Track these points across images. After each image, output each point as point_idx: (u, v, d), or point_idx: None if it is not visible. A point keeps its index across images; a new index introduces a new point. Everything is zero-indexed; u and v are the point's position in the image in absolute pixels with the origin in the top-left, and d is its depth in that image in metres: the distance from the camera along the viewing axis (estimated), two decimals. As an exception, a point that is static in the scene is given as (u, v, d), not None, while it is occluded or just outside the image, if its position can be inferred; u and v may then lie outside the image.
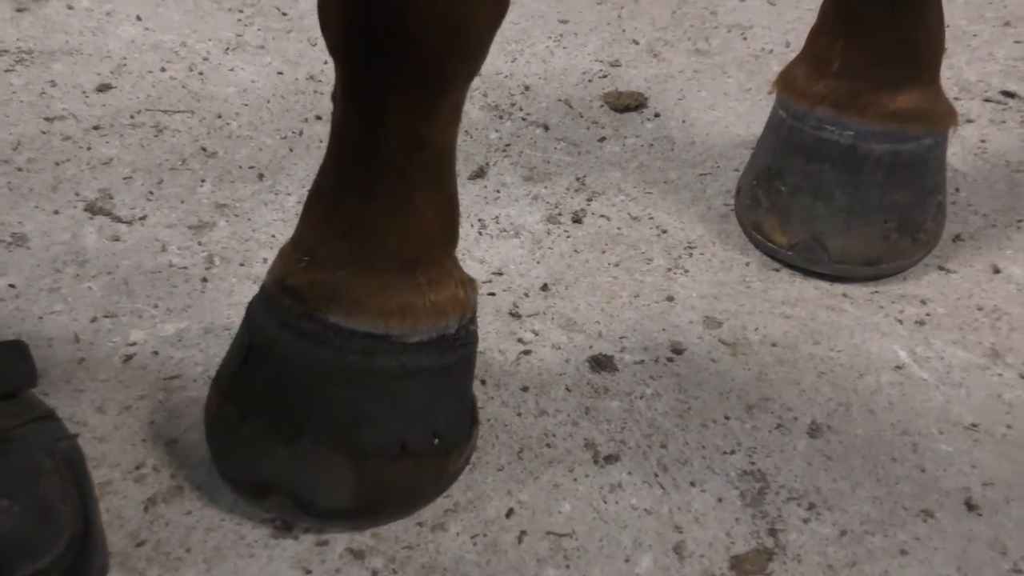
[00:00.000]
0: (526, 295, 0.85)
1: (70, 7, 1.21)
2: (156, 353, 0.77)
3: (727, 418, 0.74)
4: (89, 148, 0.99)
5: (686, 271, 0.88)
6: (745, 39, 1.23)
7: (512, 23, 1.24)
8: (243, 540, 0.64)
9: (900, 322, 0.83)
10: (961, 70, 1.16)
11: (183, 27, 1.20)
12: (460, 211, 0.65)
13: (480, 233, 0.92)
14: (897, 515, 0.67)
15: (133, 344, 0.78)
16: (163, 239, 0.88)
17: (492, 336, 0.80)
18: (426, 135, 0.59)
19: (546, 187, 0.98)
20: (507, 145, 1.04)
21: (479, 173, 0.99)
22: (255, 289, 0.69)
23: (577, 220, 0.93)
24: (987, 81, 1.14)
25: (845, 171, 0.84)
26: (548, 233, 0.92)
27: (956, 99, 1.09)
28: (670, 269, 0.88)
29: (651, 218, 0.94)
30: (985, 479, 0.70)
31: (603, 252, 0.90)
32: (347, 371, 0.61)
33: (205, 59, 1.14)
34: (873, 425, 0.74)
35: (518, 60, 1.18)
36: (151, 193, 0.94)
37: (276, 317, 0.63)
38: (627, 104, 1.10)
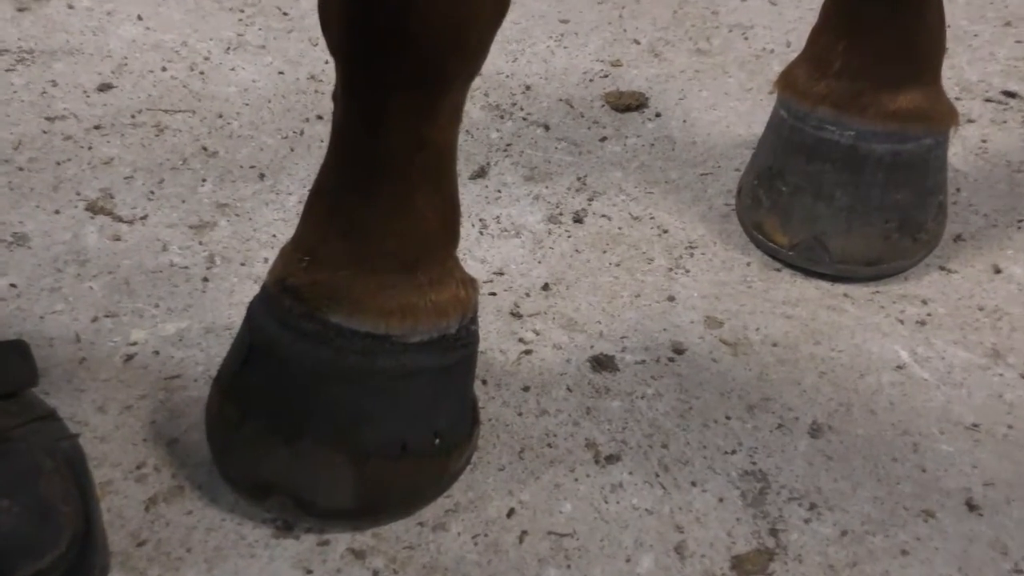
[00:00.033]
0: (527, 295, 0.85)
1: (71, 7, 1.21)
2: (157, 353, 0.77)
3: (728, 418, 0.74)
4: (90, 148, 0.99)
5: (687, 271, 0.88)
6: (746, 39, 1.23)
7: (513, 23, 1.24)
8: (244, 540, 0.64)
9: (901, 322, 0.83)
10: (962, 70, 1.15)
11: (184, 27, 1.20)
12: (461, 211, 0.65)
13: (481, 233, 0.91)
14: (898, 515, 0.67)
15: (134, 344, 0.78)
16: (164, 239, 0.88)
17: (493, 336, 0.80)
18: (427, 135, 0.59)
19: (547, 187, 0.98)
20: (508, 145, 1.03)
21: (480, 173, 0.99)
22: (256, 289, 0.69)
23: (578, 220, 0.93)
24: (988, 81, 1.14)
25: (846, 171, 0.84)
26: (549, 233, 0.92)
27: (957, 99, 1.09)
28: (671, 269, 0.88)
29: (652, 218, 0.94)
30: (986, 479, 0.70)
31: (604, 252, 0.90)
32: (348, 371, 0.61)
33: (206, 59, 1.14)
34: (874, 425, 0.74)
35: (519, 60, 1.18)
36: (152, 193, 0.94)
37: (277, 317, 0.63)
38: (628, 104, 1.10)
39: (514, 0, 0.61)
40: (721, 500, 0.68)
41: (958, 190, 0.98)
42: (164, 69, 1.12)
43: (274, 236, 0.89)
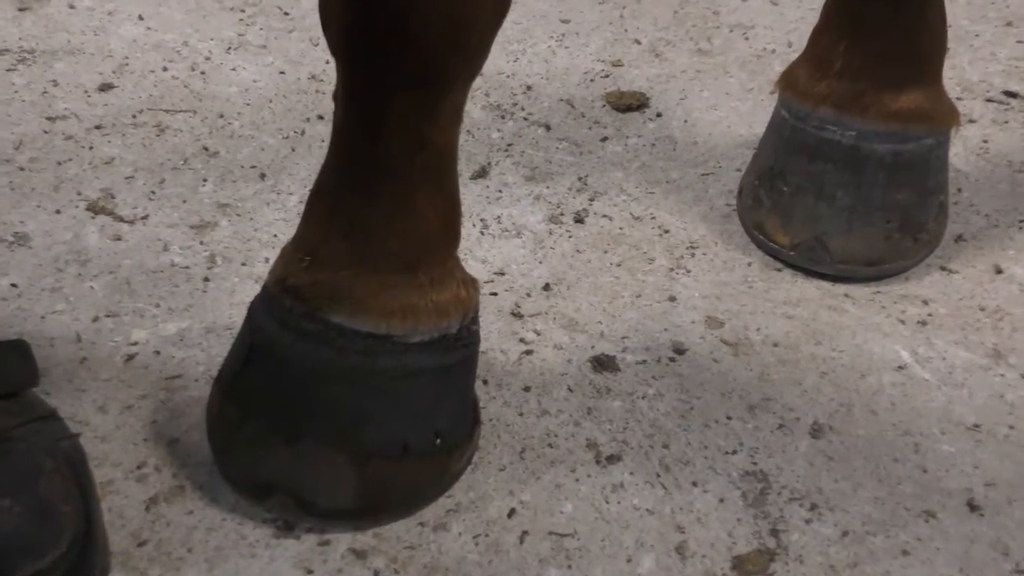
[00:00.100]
0: (528, 295, 0.85)
1: (72, 6, 1.21)
2: (158, 353, 0.77)
3: (729, 418, 0.74)
4: (91, 147, 0.99)
5: (688, 271, 0.88)
6: (747, 39, 1.23)
7: (514, 23, 1.24)
8: (245, 540, 0.64)
9: (902, 322, 0.83)
10: (963, 70, 1.15)
11: (185, 26, 1.20)
12: (462, 211, 0.65)
13: (482, 233, 0.91)
14: (899, 516, 0.67)
15: (135, 344, 0.78)
16: (165, 239, 0.88)
17: (494, 336, 0.80)
18: (427, 135, 0.59)
19: (548, 187, 0.98)
20: (509, 145, 1.03)
21: (481, 173, 0.99)
22: (257, 289, 0.69)
23: (579, 220, 0.93)
24: (989, 81, 1.14)
25: (847, 171, 0.84)
26: (550, 233, 0.92)
27: (958, 99, 1.09)
28: (672, 269, 0.88)
29: (653, 218, 0.94)
30: (987, 480, 0.70)
31: (605, 252, 0.90)
32: (349, 371, 0.61)
33: (207, 58, 1.14)
34: (875, 425, 0.74)
35: (520, 60, 1.18)
36: (153, 193, 0.94)
37: (278, 317, 0.63)
38: (629, 104, 1.10)
39: (515, 0, 0.61)
40: (722, 500, 0.68)
41: (959, 190, 0.97)
42: (165, 69, 1.12)
43: (275, 236, 0.89)
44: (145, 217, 0.91)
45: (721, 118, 1.09)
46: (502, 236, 0.91)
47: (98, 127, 1.02)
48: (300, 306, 0.62)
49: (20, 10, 1.20)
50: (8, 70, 1.09)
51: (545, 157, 1.02)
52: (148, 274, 0.84)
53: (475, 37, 0.55)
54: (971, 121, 1.07)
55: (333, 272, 0.61)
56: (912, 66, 0.83)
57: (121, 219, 0.90)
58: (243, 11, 1.24)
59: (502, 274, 0.87)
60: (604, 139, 1.05)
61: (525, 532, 0.65)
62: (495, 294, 0.84)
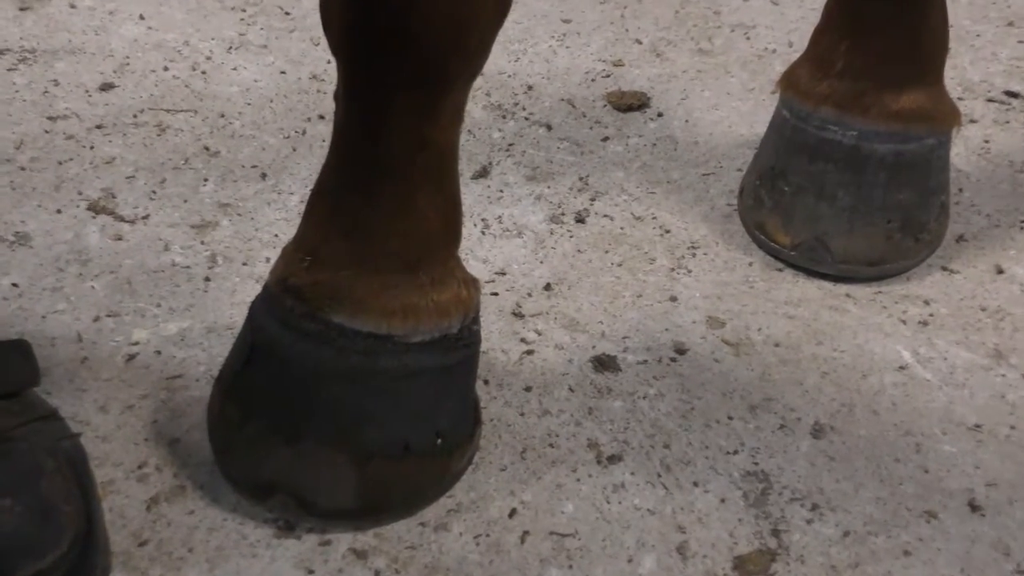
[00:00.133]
0: (529, 295, 0.85)
1: (73, 6, 1.21)
2: (159, 352, 0.77)
3: (730, 418, 0.74)
4: (92, 147, 0.99)
5: (689, 271, 0.88)
6: (748, 39, 1.22)
7: (515, 22, 1.24)
8: (246, 540, 0.64)
9: (903, 322, 0.83)
10: (965, 70, 1.15)
11: (186, 26, 1.20)
12: (463, 211, 0.65)
13: (483, 233, 0.91)
14: (900, 516, 0.67)
15: (136, 343, 0.78)
16: (166, 238, 0.88)
17: (495, 336, 0.80)
18: (428, 135, 0.59)
19: (549, 187, 0.97)
20: (510, 145, 1.03)
21: (482, 173, 0.99)
22: (258, 289, 0.69)
23: (580, 220, 0.93)
24: (990, 81, 1.13)
25: (848, 171, 0.84)
26: (551, 233, 0.92)
27: (960, 99, 1.09)
28: (673, 269, 0.88)
29: (654, 218, 0.94)
30: (988, 480, 0.70)
31: (606, 252, 0.90)
32: (350, 371, 0.61)
33: (208, 58, 1.14)
34: (876, 426, 0.74)
35: (521, 60, 1.18)
36: (154, 192, 0.94)
37: (279, 317, 0.63)
38: (630, 104, 1.10)
39: (516, 0, 0.61)
40: (723, 500, 0.68)
41: (960, 190, 0.97)
42: (166, 69, 1.12)
43: (276, 236, 0.89)
44: (146, 217, 0.91)
45: (722, 118, 1.09)
46: (503, 236, 0.91)
47: (99, 127, 1.02)
48: (301, 306, 0.62)
49: (21, 10, 1.20)
50: (9, 70, 1.09)
51: (546, 157, 1.02)
52: (149, 274, 0.84)
53: (476, 37, 0.55)
54: (972, 121, 1.07)
55: (334, 272, 0.61)
56: (913, 66, 0.83)
57: (122, 219, 0.90)
58: (244, 11, 1.24)
59: (503, 274, 0.87)
60: (605, 139, 1.05)
61: (526, 532, 0.65)
62: (496, 294, 0.84)
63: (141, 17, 1.20)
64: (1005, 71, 1.15)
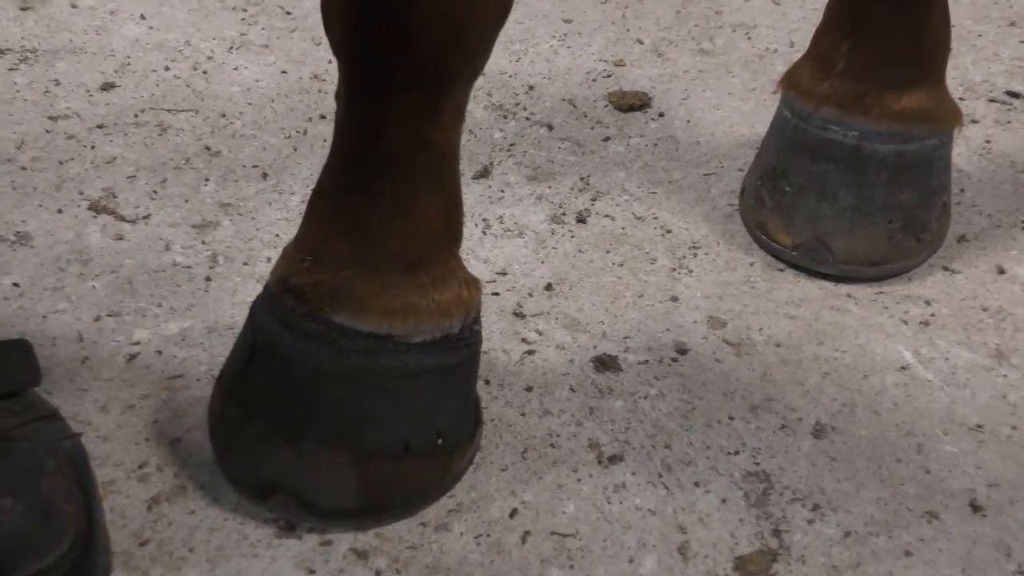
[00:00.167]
0: (530, 295, 0.85)
1: (74, 6, 1.21)
2: (160, 352, 0.77)
3: (731, 418, 0.74)
4: (93, 147, 0.99)
5: (690, 271, 0.88)
6: (750, 39, 1.22)
7: (516, 22, 1.23)
8: (246, 540, 0.64)
9: (905, 323, 0.83)
10: (966, 70, 1.15)
11: (187, 26, 1.20)
12: (464, 211, 0.65)
13: (484, 233, 0.91)
14: (901, 516, 0.67)
15: (137, 343, 0.78)
16: (167, 238, 0.88)
17: (496, 336, 0.80)
18: (429, 135, 0.59)
19: (550, 187, 0.97)
20: (511, 145, 1.03)
21: (483, 173, 0.99)
22: (259, 288, 0.69)
23: (581, 220, 0.93)
24: (992, 81, 1.13)
25: (850, 171, 0.84)
26: (552, 233, 0.92)
27: (961, 99, 1.09)
28: (674, 269, 0.88)
29: (655, 218, 0.94)
30: (990, 480, 0.70)
31: (607, 252, 0.90)
32: (350, 371, 0.61)
33: (209, 58, 1.14)
34: (877, 426, 0.73)
35: (522, 60, 1.17)
36: (155, 192, 0.94)
37: (279, 317, 0.63)
38: (631, 104, 1.09)
39: (517, 0, 0.61)
40: (724, 501, 0.68)
41: (962, 190, 0.97)
42: (167, 68, 1.12)
43: (277, 236, 0.89)
44: (147, 216, 0.91)
45: (723, 118, 1.09)
46: (504, 236, 0.91)
47: (100, 126, 1.02)
48: (302, 306, 0.62)
49: (22, 9, 1.20)
50: (10, 69, 1.09)
51: (547, 157, 1.02)
52: (150, 273, 0.84)
53: (477, 37, 0.55)
54: (974, 121, 1.07)
55: (335, 272, 0.61)
56: (915, 66, 0.83)
57: (123, 218, 0.90)
58: (245, 10, 1.24)
59: (504, 274, 0.87)
60: (606, 139, 1.05)
61: (527, 532, 0.65)
62: (497, 294, 0.84)
63: (142, 17, 1.20)
64: (1007, 71, 1.15)
